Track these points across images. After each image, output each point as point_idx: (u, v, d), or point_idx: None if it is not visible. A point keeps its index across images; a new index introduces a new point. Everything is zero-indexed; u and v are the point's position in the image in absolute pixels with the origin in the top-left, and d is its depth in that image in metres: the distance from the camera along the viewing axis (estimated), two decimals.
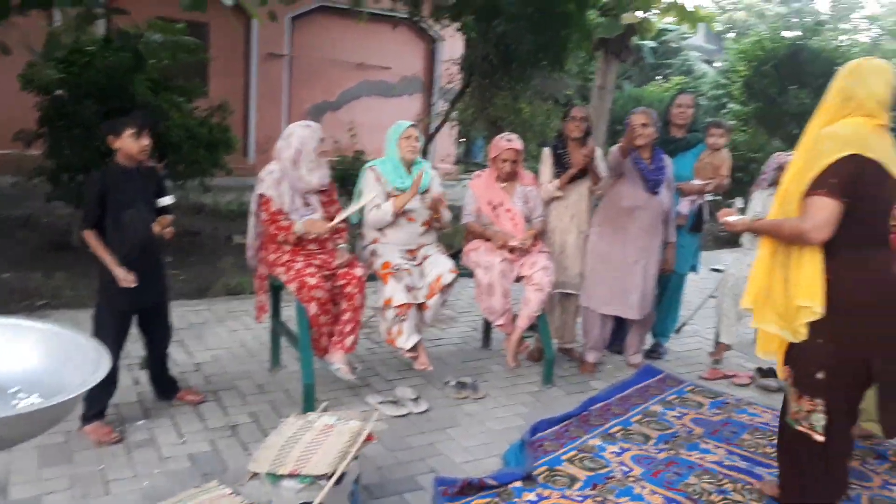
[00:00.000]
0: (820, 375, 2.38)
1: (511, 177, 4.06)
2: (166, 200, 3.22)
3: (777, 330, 2.49)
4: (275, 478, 2.36)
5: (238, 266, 5.77)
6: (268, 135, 10.37)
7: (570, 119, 4.21)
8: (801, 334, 2.40)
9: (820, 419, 2.37)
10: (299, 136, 3.53)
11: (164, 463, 2.88)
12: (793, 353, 2.47)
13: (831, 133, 2.33)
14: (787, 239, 2.42)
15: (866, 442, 3.43)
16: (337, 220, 3.52)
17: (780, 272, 2.45)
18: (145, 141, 3.07)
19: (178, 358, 3.97)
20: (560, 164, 4.20)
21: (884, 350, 2.35)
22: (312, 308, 3.37)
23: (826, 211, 2.26)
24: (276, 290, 3.84)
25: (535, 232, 4.05)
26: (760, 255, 2.55)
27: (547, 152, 4.30)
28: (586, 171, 4.17)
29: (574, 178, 4.18)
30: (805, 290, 2.34)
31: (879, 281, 2.34)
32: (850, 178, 2.25)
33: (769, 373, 4.21)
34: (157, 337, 3.35)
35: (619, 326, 4.41)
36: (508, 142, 4.02)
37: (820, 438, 2.38)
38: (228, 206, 8.73)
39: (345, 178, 7.96)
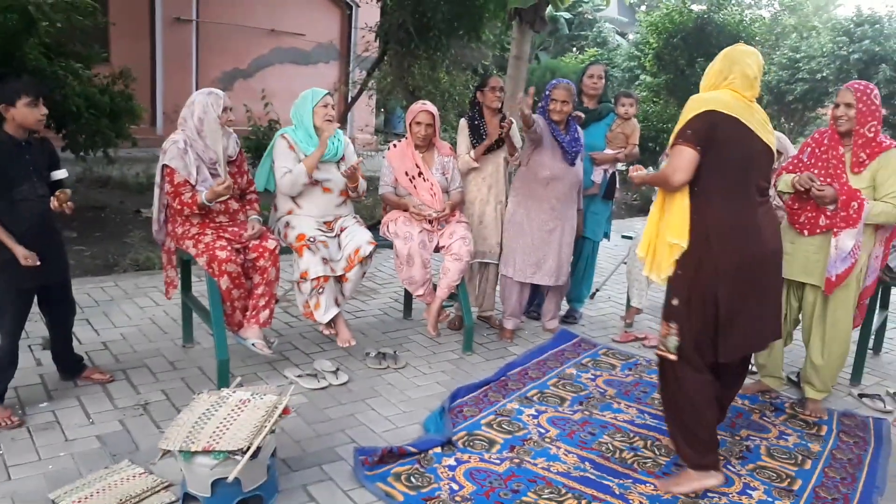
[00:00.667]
0: (675, 302, 2.65)
1: (427, 144, 4.04)
2: (60, 174, 3.04)
3: (656, 278, 2.73)
4: (188, 455, 2.30)
5: (147, 240, 5.54)
6: (176, 103, 9.84)
7: (490, 89, 4.21)
8: (669, 271, 2.65)
9: (673, 341, 2.64)
10: (201, 103, 3.38)
11: (69, 445, 2.76)
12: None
13: (696, 97, 2.66)
14: (660, 185, 2.70)
15: (765, 396, 3.64)
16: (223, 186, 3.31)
17: (664, 225, 2.70)
18: (42, 110, 2.88)
19: (85, 337, 3.80)
20: (476, 135, 4.21)
21: (729, 285, 2.59)
22: (224, 282, 3.27)
23: (682, 156, 2.54)
24: (185, 264, 3.71)
25: (453, 203, 4.05)
26: (651, 210, 2.78)
27: (463, 123, 4.30)
28: (502, 142, 4.20)
29: (490, 149, 4.20)
30: (673, 229, 2.62)
31: (733, 226, 2.59)
32: (703, 130, 2.54)
33: None
34: (60, 315, 3.19)
35: (536, 293, 4.50)
36: (423, 105, 4.00)
37: (673, 357, 2.64)
38: (136, 178, 8.35)
39: (259, 147, 7.74)
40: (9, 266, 2.83)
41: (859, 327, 3.70)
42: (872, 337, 4.14)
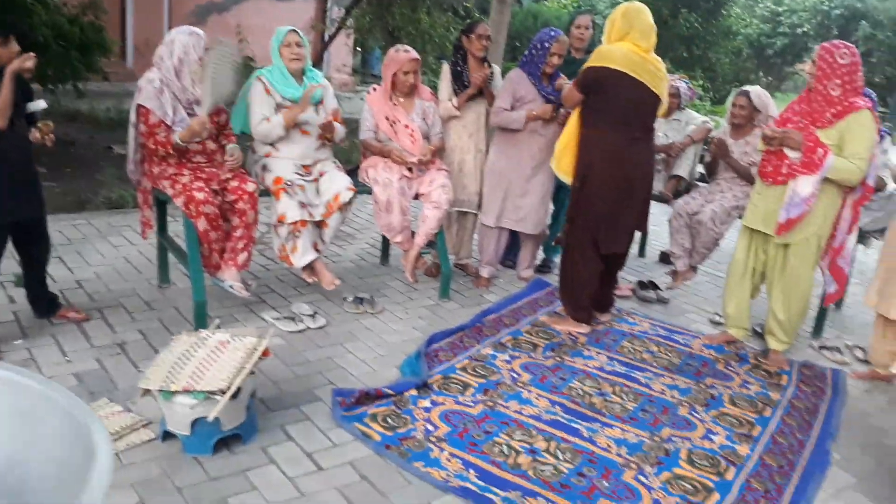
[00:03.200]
0: (568, 206, 3.65)
1: (410, 91, 3.99)
2: (38, 105, 2.96)
3: (562, 176, 3.70)
4: (167, 394, 2.33)
5: (119, 178, 5.44)
6: (147, 37, 9.60)
7: (476, 37, 4.13)
8: (567, 176, 3.64)
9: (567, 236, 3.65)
10: (182, 43, 3.30)
11: None
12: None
13: (599, 50, 3.44)
14: (564, 104, 3.77)
15: (730, 346, 3.76)
16: (204, 108, 3.28)
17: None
18: (14, 47, 2.79)
19: (59, 275, 3.77)
20: (459, 82, 4.17)
21: (606, 198, 3.50)
22: (201, 224, 3.26)
23: (571, 94, 3.53)
24: (161, 204, 3.67)
25: (434, 148, 4.03)
26: (567, 125, 3.65)
27: (446, 69, 4.24)
28: (483, 90, 4.17)
29: (472, 97, 4.17)
30: (561, 141, 3.62)
31: (611, 155, 3.46)
32: (591, 80, 3.42)
33: (649, 285, 4.50)
34: (35, 253, 3.15)
35: (513, 242, 4.55)
36: (406, 52, 3.93)
37: (564, 244, 3.71)
38: (107, 113, 8.16)
39: None
40: None
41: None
42: None
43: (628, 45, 3.37)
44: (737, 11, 15.96)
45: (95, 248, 4.30)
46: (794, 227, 3.32)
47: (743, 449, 2.78)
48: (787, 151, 3.29)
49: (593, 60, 3.41)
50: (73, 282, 3.77)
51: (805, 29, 15.74)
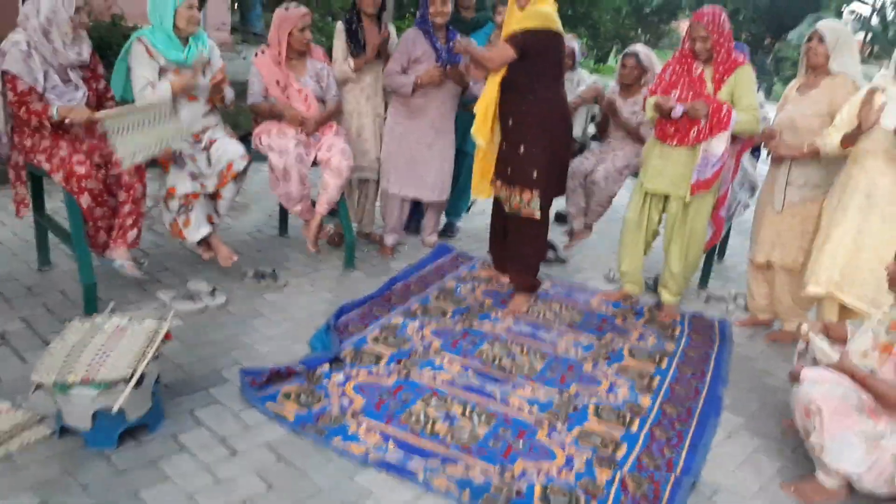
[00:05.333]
0: (535, 174, 3.53)
1: (305, 49, 3.84)
2: None
3: (481, 143, 3.65)
4: (64, 387, 2.18)
5: None
6: None
7: None
8: (486, 141, 3.62)
9: (537, 204, 3.56)
10: (48, 1, 3.01)
11: None
12: (505, 164, 3.63)
13: (541, 11, 3.40)
14: (482, 61, 3.52)
15: (627, 302, 3.93)
16: (102, 114, 3.06)
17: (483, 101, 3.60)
18: None
19: None
20: (354, 41, 4.04)
21: (566, 145, 3.69)
22: (85, 200, 3.03)
23: (505, 52, 3.41)
24: (36, 179, 3.38)
25: (331, 112, 3.91)
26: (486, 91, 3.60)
27: (340, 27, 4.09)
28: (381, 52, 4.07)
29: (368, 59, 4.06)
30: (482, 109, 3.57)
31: (561, 112, 3.60)
32: (533, 42, 3.38)
33: (548, 246, 4.61)
34: None
35: (416, 208, 4.52)
36: (297, 8, 3.75)
37: (538, 215, 3.59)
38: None
39: (101, 46, 7.01)
40: None
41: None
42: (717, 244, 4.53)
43: (551, 5, 3.49)
44: None
45: None
46: (711, 185, 3.49)
47: (645, 400, 2.93)
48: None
49: (537, 22, 3.37)
50: None
51: None
